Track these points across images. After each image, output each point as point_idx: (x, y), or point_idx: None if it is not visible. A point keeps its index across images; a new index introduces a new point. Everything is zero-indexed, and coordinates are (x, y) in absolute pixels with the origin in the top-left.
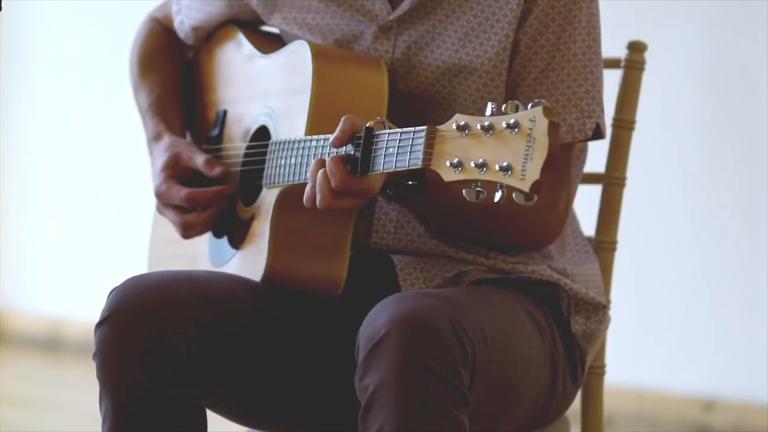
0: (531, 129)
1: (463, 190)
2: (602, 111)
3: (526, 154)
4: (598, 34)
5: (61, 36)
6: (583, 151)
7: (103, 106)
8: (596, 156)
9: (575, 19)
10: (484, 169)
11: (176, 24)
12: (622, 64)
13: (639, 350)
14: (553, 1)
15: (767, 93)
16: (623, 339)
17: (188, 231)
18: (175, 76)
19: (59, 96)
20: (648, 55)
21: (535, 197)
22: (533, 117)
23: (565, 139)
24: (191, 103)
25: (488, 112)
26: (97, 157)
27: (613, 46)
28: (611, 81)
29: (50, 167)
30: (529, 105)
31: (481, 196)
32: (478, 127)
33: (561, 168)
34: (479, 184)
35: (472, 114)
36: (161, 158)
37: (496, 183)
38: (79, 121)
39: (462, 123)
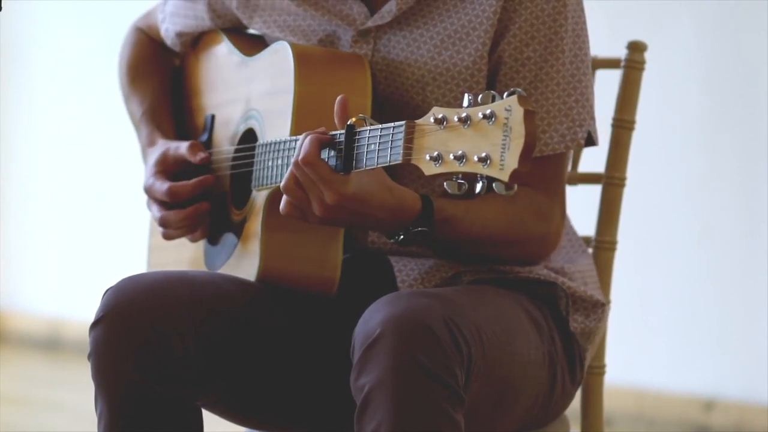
0: (507, 118)
1: (445, 183)
2: (593, 118)
3: (504, 144)
4: (585, 40)
5: (60, 36)
6: (569, 159)
7: (103, 106)
8: (596, 156)
9: (561, 28)
10: (463, 160)
11: (162, 32)
12: (622, 64)
13: (639, 350)
14: (538, 11)
15: (767, 92)
16: (623, 339)
17: (166, 228)
18: (164, 84)
19: (59, 96)
20: (648, 55)
21: (515, 187)
22: (509, 106)
23: (558, 149)
24: (181, 109)
25: (465, 103)
26: (97, 158)
27: (613, 46)
28: (611, 81)
29: (50, 167)
30: (505, 94)
31: (463, 188)
32: (456, 119)
33: (554, 177)
34: (460, 176)
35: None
36: (152, 157)
37: (476, 174)
38: (79, 121)
39: (440, 116)
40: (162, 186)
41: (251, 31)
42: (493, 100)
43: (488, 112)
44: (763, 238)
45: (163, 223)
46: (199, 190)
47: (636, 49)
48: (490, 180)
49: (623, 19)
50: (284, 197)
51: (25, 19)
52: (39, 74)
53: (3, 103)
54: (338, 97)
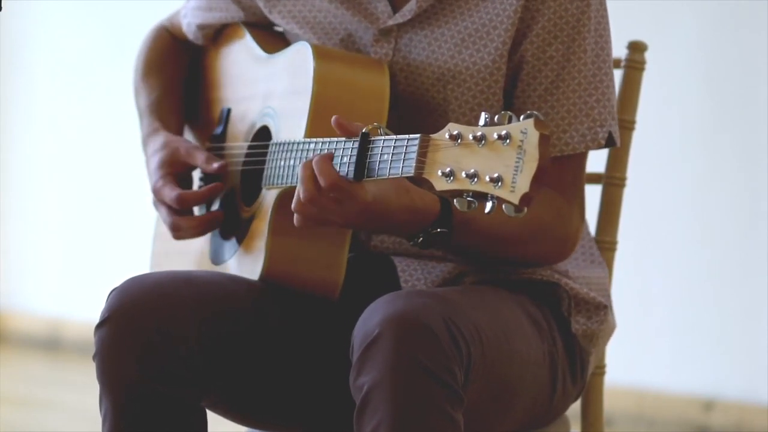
0: (522, 141)
1: (455, 200)
2: (614, 119)
3: (517, 166)
4: (608, 40)
5: (60, 36)
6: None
7: (104, 106)
8: (596, 156)
9: (584, 28)
10: (475, 179)
11: (184, 27)
12: (622, 64)
13: (639, 350)
14: (561, 11)
15: (767, 92)
16: (623, 339)
17: (177, 233)
18: (175, 80)
19: (59, 96)
20: (648, 55)
21: (525, 210)
22: (524, 129)
23: (578, 149)
24: (196, 100)
25: (482, 122)
26: (98, 157)
27: (613, 46)
28: None
29: (50, 167)
30: (522, 116)
31: (473, 206)
32: (471, 137)
33: (573, 180)
34: (470, 194)
35: (466, 123)
36: (158, 155)
37: (486, 194)
38: (79, 121)
39: (455, 132)
40: (171, 192)
41: (275, 27)
42: (510, 121)
43: (504, 132)
44: (762, 239)
45: (174, 228)
46: (208, 198)
47: (636, 49)
48: (500, 201)
49: (623, 19)
50: (296, 215)
51: (25, 19)
52: (39, 74)
53: (3, 103)
54: (333, 118)
